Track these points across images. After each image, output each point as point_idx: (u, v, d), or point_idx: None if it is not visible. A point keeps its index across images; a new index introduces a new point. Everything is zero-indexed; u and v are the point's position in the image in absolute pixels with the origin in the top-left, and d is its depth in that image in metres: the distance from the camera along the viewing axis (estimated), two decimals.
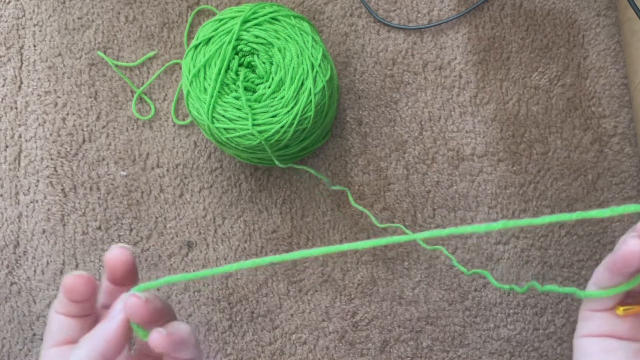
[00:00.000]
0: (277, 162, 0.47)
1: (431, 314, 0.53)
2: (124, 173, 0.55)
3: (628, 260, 0.27)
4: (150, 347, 0.29)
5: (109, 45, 0.57)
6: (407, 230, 0.52)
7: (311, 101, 0.44)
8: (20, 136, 0.56)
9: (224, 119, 0.44)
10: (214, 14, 0.57)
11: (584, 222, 0.53)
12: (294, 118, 0.44)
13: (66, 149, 0.56)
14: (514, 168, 0.54)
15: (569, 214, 0.27)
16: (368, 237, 0.54)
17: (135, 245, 0.54)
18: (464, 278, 0.53)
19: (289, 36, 0.45)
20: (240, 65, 0.46)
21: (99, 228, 0.55)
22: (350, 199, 0.53)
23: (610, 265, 0.28)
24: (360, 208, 0.52)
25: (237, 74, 0.45)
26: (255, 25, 0.45)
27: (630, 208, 0.26)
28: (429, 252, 0.53)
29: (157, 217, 0.54)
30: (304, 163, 0.55)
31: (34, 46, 0.57)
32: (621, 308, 0.28)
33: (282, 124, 0.44)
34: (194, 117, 0.46)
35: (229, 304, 0.53)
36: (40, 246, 0.55)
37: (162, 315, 0.30)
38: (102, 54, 0.56)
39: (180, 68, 0.56)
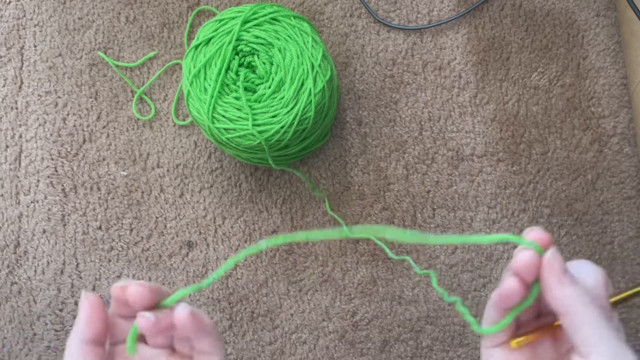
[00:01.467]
0: (271, 163, 0.47)
1: (431, 313, 0.53)
2: (125, 173, 0.55)
3: (507, 297, 0.28)
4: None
5: (110, 46, 0.57)
6: (378, 242, 0.53)
7: (311, 101, 0.45)
8: (20, 136, 0.56)
9: (224, 119, 0.45)
10: (214, 15, 0.57)
11: (583, 222, 0.53)
12: (294, 118, 0.44)
13: (67, 149, 0.56)
14: (514, 168, 0.54)
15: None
16: (368, 237, 0.54)
17: (136, 245, 0.54)
18: (463, 278, 0.53)
19: (289, 36, 0.45)
20: (240, 65, 0.46)
21: (100, 228, 0.55)
22: (327, 206, 0.53)
23: (493, 303, 0.30)
24: (335, 216, 0.53)
25: (237, 74, 0.45)
26: (256, 25, 0.45)
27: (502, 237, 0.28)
28: (429, 252, 0.53)
29: (157, 217, 0.55)
30: (304, 163, 0.55)
31: (35, 46, 0.57)
32: (514, 341, 0.30)
33: (282, 124, 0.44)
34: (194, 117, 0.47)
35: (229, 303, 0.53)
36: (40, 246, 0.55)
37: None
38: (102, 55, 0.57)
39: (181, 68, 0.57)
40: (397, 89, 0.55)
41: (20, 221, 0.55)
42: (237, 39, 0.45)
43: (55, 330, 0.54)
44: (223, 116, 0.44)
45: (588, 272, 0.29)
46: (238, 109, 0.44)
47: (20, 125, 0.56)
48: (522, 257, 0.28)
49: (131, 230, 0.54)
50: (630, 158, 0.54)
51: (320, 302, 0.53)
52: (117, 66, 0.56)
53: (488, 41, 0.56)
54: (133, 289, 0.29)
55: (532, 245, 0.28)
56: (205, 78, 0.45)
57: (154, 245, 0.54)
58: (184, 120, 0.56)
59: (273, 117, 0.44)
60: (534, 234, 0.28)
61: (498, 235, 0.28)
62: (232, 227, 0.54)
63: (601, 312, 0.27)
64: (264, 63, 0.45)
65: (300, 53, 0.45)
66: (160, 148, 0.55)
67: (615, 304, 0.31)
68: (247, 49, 0.45)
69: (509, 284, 0.28)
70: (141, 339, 0.31)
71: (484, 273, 0.53)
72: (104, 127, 0.56)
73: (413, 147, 0.55)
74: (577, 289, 0.27)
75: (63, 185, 0.55)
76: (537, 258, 0.28)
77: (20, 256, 0.55)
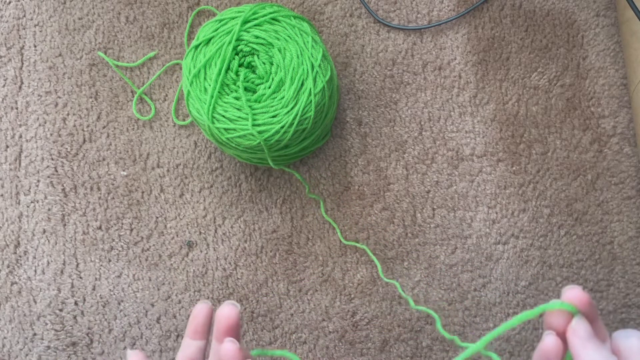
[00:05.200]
0: (270, 162, 0.48)
1: None
2: (125, 173, 0.55)
3: (546, 355, 0.30)
4: None
5: (110, 46, 0.57)
6: (370, 253, 0.53)
7: (311, 101, 0.45)
8: (20, 136, 0.56)
9: (224, 119, 0.45)
10: (214, 15, 0.57)
11: (583, 222, 0.53)
12: (294, 118, 0.44)
13: (67, 149, 0.56)
14: (514, 168, 0.54)
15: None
16: (367, 237, 0.54)
17: (136, 245, 0.54)
18: (463, 277, 0.53)
19: (289, 37, 0.45)
20: (240, 65, 0.46)
21: (100, 228, 0.55)
22: (322, 210, 0.53)
23: None
24: (330, 221, 0.53)
25: (237, 74, 0.45)
26: (256, 25, 0.45)
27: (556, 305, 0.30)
28: (428, 251, 0.53)
29: (157, 217, 0.55)
30: (304, 163, 0.55)
31: (35, 46, 0.57)
32: None
33: (282, 124, 0.44)
34: (194, 118, 0.47)
35: None
36: (40, 246, 0.55)
37: None
38: (102, 55, 0.57)
39: (181, 68, 0.57)
40: (397, 89, 0.55)
41: (20, 221, 0.55)
42: (237, 39, 0.45)
43: (55, 330, 0.54)
44: (223, 116, 0.45)
45: (632, 336, 0.30)
46: (238, 109, 0.44)
47: (20, 125, 0.56)
48: (556, 319, 0.30)
49: (131, 230, 0.55)
50: (630, 158, 0.54)
51: (320, 302, 0.53)
52: (117, 66, 0.56)
53: (488, 41, 0.56)
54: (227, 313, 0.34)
55: (568, 308, 0.30)
56: (205, 78, 0.45)
57: (154, 245, 0.54)
58: (184, 120, 0.56)
59: (273, 117, 0.44)
60: (572, 294, 0.30)
61: (539, 307, 0.30)
62: (232, 227, 0.54)
63: None
64: (264, 63, 0.45)
65: (300, 53, 0.45)
66: (160, 148, 0.55)
67: None
68: (247, 49, 0.45)
69: (547, 342, 0.30)
70: None
71: (483, 273, 0.53)
72: (104, 127, 0.56)
73: (413, 147, 0.55)
74: (601, 353, 0.29)
75: (63, 185, 0.55)
76: (570, 317, 0.30)
77: (20, 256, 0.55)
